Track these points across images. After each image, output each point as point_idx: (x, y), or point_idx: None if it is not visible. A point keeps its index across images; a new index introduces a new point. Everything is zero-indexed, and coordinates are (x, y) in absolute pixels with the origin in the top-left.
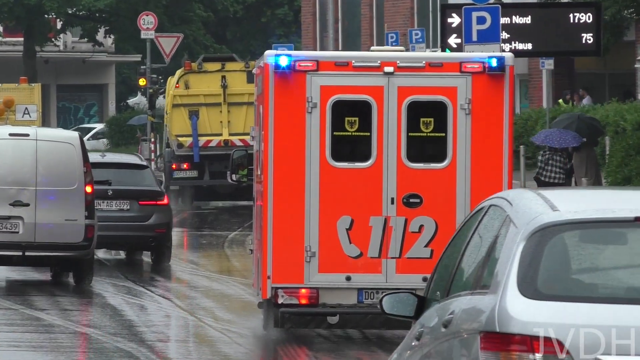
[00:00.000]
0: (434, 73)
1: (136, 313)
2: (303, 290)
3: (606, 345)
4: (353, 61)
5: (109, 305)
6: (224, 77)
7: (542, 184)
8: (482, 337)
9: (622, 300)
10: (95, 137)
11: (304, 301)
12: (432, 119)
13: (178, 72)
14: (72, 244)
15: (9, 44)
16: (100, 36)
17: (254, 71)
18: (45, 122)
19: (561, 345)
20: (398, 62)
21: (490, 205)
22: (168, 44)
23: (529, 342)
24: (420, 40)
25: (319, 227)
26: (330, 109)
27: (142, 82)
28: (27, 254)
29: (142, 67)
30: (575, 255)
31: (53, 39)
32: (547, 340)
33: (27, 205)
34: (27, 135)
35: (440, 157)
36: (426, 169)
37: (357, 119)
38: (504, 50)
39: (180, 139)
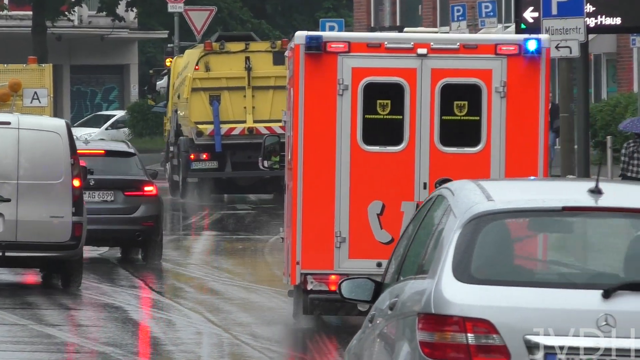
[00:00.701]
0: (468, 55)
1: (162, 329)
2: (333, 277)
3: (535, 324)
4: (385, 42)
5: (131, 320)
6: (247, 58)
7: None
8: (420, 319)
9: (548, 284)
10: (115, 125)
11: (333, 287)
12: (466, 102)
13: (191, 52)
14: (58, 244)
15: (16, 18)
16: (121, 9)
17: (285, 54)
18: (57, 109)
19: (491, 326)
20: (432, 43)
21: (438, 195)
22: (199, 18)
23: (462, 323)
24: (491, 14)
25: (349, 212)
26: (362, 91)
27: (168, 62)
28: (7, 254)
29: (169, 45)
30: (507, 242)
31: (66, 13)
32: (479, 321)
33: (8, 200)
34: (9, 123)
35: (474, 141)
36: (459, 154)
37: (389, 101)
38: (588, 26)
39: (200, 126)
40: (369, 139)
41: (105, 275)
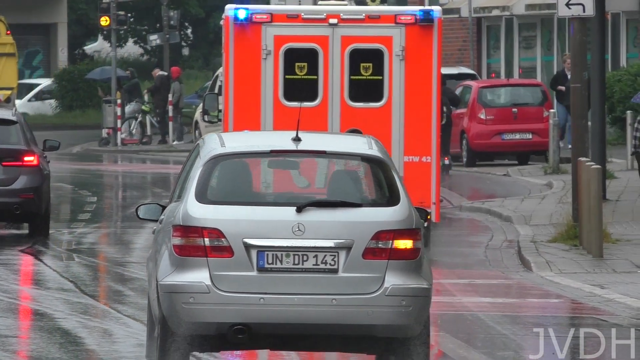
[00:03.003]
0: (372, 24)
1: (97, 340)
2: None
3: (250, 231)
4: (302, 14)
5: (59, 330)
6: None
7: None
8: (173, 229)
9: (260, 203)
10: (40, 97)
11: None
12: (371, 64)
13: None
14: None
15: None
16: None
17: (221, 22)
18: None
19: (220, 233)
20: (341, 14)
21: (197, 144)
22: None
23: (200, 231)
24: None
25: None
26: (283, 55)
27: (104, 21)
28: None
29: (104, 0)
30: (233, 174)
31: None
32: (212, 230)
33: None
34: None
35: (378, 98)
36: (366, 108)
37: (306, 64)
38: None
39: None
40: (289, 96)
41: (27, 273)
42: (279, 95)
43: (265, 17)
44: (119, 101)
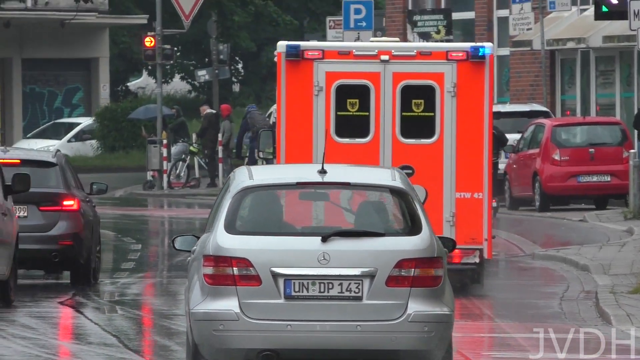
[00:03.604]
0: (424, 60)
1: None
2: None
3: (278, 261)
4: (354, 50)
5: None
6: None
7: None
8: (204, 259)
9: (286, 234)
10: (80, 137)
11: None
12: (422, 101)
13: None
14: None
15: None
16: None
17: (274, 58)
18: (4, 115)
19: (249, 262)
20: (393, 51)
21: (229, 176)
22: (188, 0)
23: (230, 261)
24: None
25: None
26: (334, 92)
27: (148, 42)
28: None
29: (149, 33)
30: (261, 206)
31: None
32: (240, 259)
33: None
34: None
35: (430, 134)
36: (417, 144)
37: (357, 100)
38: None
39: None
40: (340, 133)
41: (67, 327)
42: (330, 132)
43: (317, 53)
44: (164, 141)
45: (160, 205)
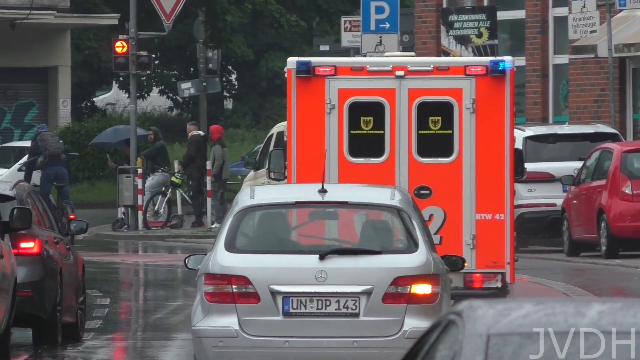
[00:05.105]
0: (441, 76)
1: None
2: None
3: (276, 278)
4: (367, 66)
5: None
6: None
7: None
8: (204, 277)
9: (285, 252)
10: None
11: None
12: (439, 118)
13: None
14: None
15: None
16: None
17: (285, 74)
18: None
19: (247, 280)
20: (408, 66)
21: (236, 197)
22: None
23: (229, 278)
24: None
25: None
26: (347, 109)
27: (120, 47)
28: None
29: (120, 37)
30: (259, 225)
31: None
32: (239, 277)
33: None
34: None
35: (448, 152)
36: (435, 164)
37: (371, 118)
38: None
39: None
40: (354, 152)
41: None
42: (344, 151)
43: (329, 69)
44: (139, 171)
45: (134, 249)
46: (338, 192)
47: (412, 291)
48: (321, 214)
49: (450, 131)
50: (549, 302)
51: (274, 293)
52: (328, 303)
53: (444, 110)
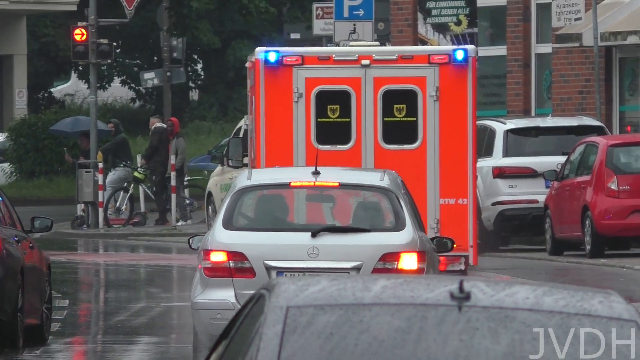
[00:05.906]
0: (405, 65)
1: None
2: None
3: (271, 254)
4: (334, 55)
5: None
6: None
7: None
8: (203, 253)
9: (279, 229)
10: None
11: None
12: (404, 105)
13: None
14: None
15: None
16: None
17: (246, 65)
18: None
19: (243, 256)
20: (373, 55)
21: (232, 178)
22: None
23: (226, 254)
24: None
25: None
26: (315, 98)
27: (78, 35)
28: None
29: (79, 24)
30: (256, 204)
31: None
32: (236, 253)
33: None
34: None
35: (412, 139)
36: (400, 150)
37: (338, 106)
38: None
39: None
40: (321, 139)
41: None
42: (311, 139)
43: (296, 59)
44: (100, 165)
45: (95, 248)
46: (330, 174)
47: (399, 267)
48: (314, 195)
49: (415, 118)
50: (343, 278)
51: (268, 268)
52: None
53: (409, 98)
